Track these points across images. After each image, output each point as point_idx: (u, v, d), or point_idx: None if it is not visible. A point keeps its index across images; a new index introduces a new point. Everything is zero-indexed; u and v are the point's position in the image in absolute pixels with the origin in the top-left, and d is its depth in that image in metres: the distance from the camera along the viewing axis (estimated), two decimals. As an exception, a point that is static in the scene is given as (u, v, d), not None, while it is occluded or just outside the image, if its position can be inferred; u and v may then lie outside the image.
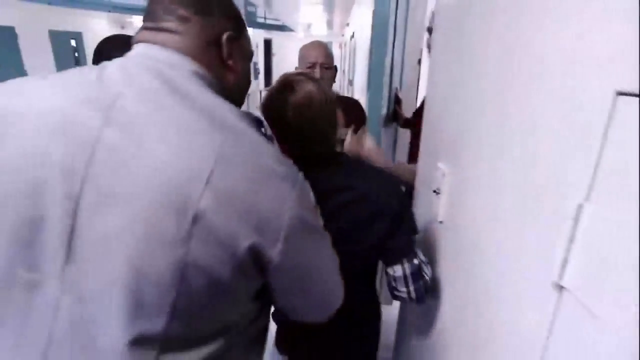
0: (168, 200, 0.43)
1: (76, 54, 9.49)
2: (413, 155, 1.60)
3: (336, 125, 0.87)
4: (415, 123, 1.60)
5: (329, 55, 1.41)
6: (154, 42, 0.54)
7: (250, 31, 14.38)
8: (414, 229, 0.88)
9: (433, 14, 1.28)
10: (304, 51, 1.42)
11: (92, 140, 0.44)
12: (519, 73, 0.51)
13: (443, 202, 0.86)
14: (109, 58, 0.54)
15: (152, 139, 0.45)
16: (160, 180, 0.43)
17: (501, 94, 0.58)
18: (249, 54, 0.66)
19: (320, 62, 1.37)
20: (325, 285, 0.62)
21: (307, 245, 0.55)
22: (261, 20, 15.53)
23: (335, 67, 1.45)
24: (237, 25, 0.60)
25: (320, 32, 15.89)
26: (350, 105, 1.20)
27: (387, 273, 0.88)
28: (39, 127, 0.44)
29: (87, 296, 0.44)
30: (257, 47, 13.19)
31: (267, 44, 15.42)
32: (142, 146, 0.44)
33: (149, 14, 0.57)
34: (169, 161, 0.44)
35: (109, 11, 9.08)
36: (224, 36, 0.58)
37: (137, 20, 10.05)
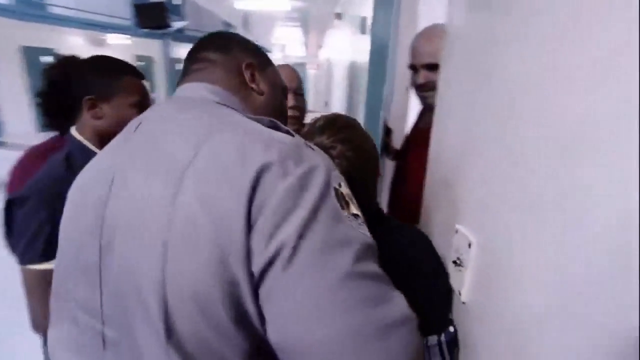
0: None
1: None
2: (396, 191, 1.36)
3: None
4: (404, 154, 1.39)
5: (301, 81, 1.21)
6: (186, 82, 0.62)
7: None
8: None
9: (413, 50, 1.10)
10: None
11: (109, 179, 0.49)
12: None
13: (468, 279, 0.65)
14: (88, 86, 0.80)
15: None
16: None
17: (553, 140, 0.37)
18: (276, 83, 0.70)
19: (294, 88, 1.15)
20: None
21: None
22: (239, 41, 15.39)
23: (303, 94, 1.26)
24: (258, 58, 0.67)
25: (295, 53, 15.88)
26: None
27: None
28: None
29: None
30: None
31: (242, 64, 15.64)
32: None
33: (183, 71, 0.65)
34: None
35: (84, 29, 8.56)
36: (243, 65, 0.64)
37: (112, 38, 9.60)
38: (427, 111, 1.18)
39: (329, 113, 0.76)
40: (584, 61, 0.39)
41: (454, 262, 0.69)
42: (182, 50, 10.53)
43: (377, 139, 1.49)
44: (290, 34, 9.48)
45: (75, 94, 0.89)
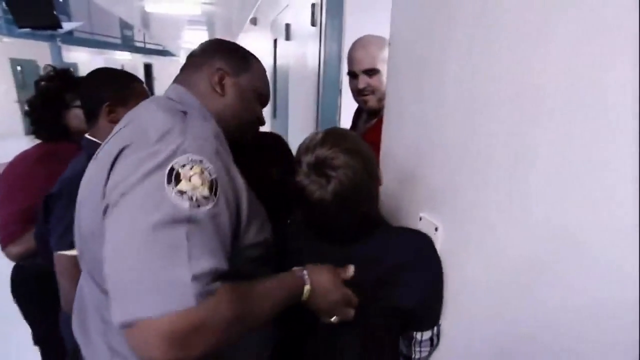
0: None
1: None
2: None
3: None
4: None
5: None
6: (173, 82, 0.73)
7: (128, 55, 13.11)
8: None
9: (352, 57, 1.17)
10: None
11: None
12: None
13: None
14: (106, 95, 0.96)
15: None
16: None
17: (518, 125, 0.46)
18: (247, 89, 0.73)
19: None
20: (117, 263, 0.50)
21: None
22: (140, 45, 14.09)
23: None
24: (234, 65, 0.72)
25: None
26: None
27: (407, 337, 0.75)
28: None
29: None
30: (136, 71, 11.97)
31: (148, 68, 15.12)
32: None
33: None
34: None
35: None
36: (214, 69, 0.70)
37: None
38: (368, 114, 1.26)
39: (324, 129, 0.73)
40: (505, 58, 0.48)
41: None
42: (74, 55, 9.16)
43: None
44: (198, 37, 8.97)
45: (91, 103, 0.99)
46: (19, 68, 8.79)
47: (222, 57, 0.71)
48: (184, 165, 0.51)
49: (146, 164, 0.50)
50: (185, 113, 0.61)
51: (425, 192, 0.77)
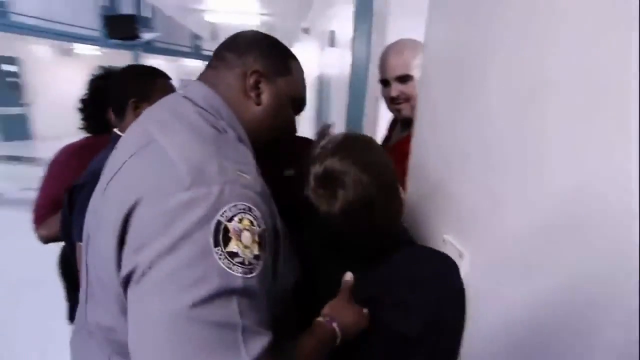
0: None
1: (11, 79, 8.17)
2: None
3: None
4: None
5: None
6: (198, 78, 0.60)
7: (199, 63, 14.10)
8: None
9: (384, 64, 1.07)
10: None
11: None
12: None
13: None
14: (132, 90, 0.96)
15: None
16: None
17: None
18: (284, 95, 0.61)
19: None
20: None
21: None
22: (208, 53, 15.12)
23: None
24: (271, 66, 0.60)
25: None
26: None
27: None
28: None
29: None
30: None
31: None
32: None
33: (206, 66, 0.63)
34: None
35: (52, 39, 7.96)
36: (249, 72, 0.58)
37: (79, 48, 9.03)
38: (402, 124, 1.15)
39: (339, 133, 0.66)
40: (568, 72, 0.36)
41: (444, 273, 0.66)
42: (152, 62, 10.11)
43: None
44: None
45: (118, 99, 0.98)
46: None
47: (258, 55, 0.59)
48: (231, 219, 0.40)
49: (182, 219, 0.39)
50: (214, 129, 0.50)
51: (453, 211, 0.66)
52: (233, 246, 0.39)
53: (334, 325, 0.56)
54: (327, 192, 0.58)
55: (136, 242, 0.41)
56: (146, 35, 7.17)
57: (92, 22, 8.63)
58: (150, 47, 9.85)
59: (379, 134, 1.60)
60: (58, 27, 7.87)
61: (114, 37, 7.33)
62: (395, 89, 1.05)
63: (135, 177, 0.46)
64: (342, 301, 0.60)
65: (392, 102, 1.09)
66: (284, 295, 0.56)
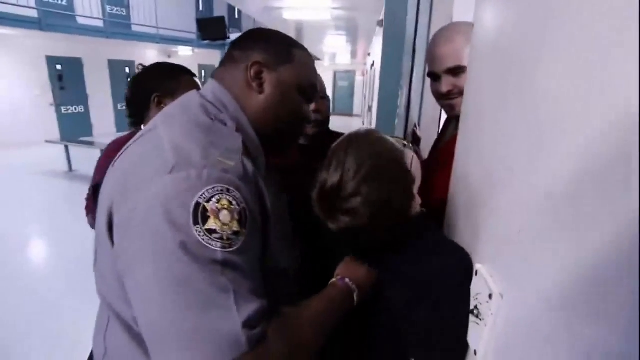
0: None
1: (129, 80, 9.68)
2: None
3: None
4: (428, 168, 1.19)
5: (323, 83, 1.06)
6: (211, 76, 0.63)
7: None
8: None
9: (432, 55, 0.91)
10: None
11: None
12: None
13: (486, 338, 0.48)
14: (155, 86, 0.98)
15: None
16: None
17: None
18: (288, 82, 0.61)
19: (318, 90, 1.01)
20: (146, 308, 0.44)
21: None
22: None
23: (328, 97, 1.13)
24: (274, 56, 0.61)
25: (344, 61, 15.67)
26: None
27: None
28: None
29: None
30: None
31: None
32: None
33: None
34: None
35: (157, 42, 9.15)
36: (250, 63, 0.59)
37: (181, 50, 10.18)
38: (457, 122, 0.98)
39: (350, 133, 0.64)
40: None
41: (472, 311, 0.53)
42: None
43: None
44: (338, 42, 9.35)
45: (144, 94, 1.00)
46: (203, 72, 11.10)
47: (261, 48, 0.61)
48: (209, 199, 0.43)
49: (164, 201, 0.43)
50: (211, 120, 0.54)
51: (488, 237, 0.52)
52: (211, 224, 0.42)
53: (347, 281, 0.60)
54: (331, 210, 0.58)
55: (123, 223, 0.46)
56: (233, 35, 7.72)
57: (191, 26, 9.62)
58: (238, 46, 10.60)
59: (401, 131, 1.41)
60: (162, 32, 8.95)
61: (206, 39, 8.08)
62: (447, 83, 0.88)
63: (129, 160, 0.52)
64: (351, 261, 0.64)
65: (443, 98, 0.93)
66: (283, 274, 0.59)
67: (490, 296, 0.47)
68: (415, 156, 0.65)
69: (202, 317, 0.40)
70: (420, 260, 0.60)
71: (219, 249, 0.42)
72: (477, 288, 0.51)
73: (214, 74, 0.64)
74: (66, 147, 5.54)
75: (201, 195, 0.43)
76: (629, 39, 0.26)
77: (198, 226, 0.42)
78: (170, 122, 0.54)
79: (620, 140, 0.26)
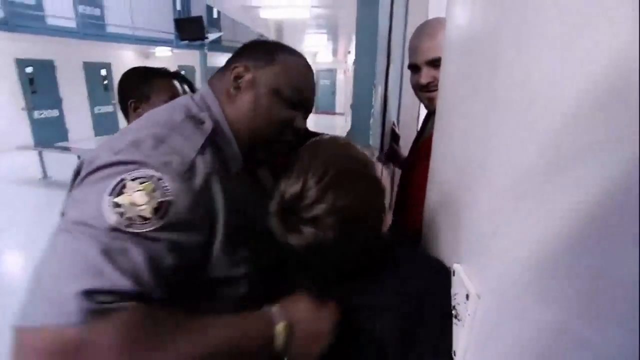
0: None
1: (105, 82, 9.35)
2: (400, 205, 1.14)
3: None
4: (408, 165, 1.18)
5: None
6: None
7: None
8: None
9: (413, 47, 0.92)
10: None
11: None
12: None
13: (464, 340, 0.46)
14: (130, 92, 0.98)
15: None
16: None
17: None
18: (267, 86, 0.59)
19: None
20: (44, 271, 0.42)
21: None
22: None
23: None
24: (254, 61, 0.60)
25: (325, 60, 15.65)
26: None
27: None
28: None
29: None
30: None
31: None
32: None
33: None
34: None
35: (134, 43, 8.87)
36: (233, 66, 0.60)
37: (160, 51, 9.92)
38: (434, 116, 0.98)
39: (313, 139, 0.60)
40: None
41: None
42: (218, 59, 10.70)
43: (366, 141, 1.23)
44: (319, 40, 9.32)
45: (123, 101, 1.00)
46: (182, 73, 10.85)
47: (247, 53, 0.62)
48: (135, 179, 0.45)
49: (98, 171, 0.47)
50: (186, 118, 0.55)
51: (465, 237, 0.50)
52: (122, 199, 0.43)
53: (272, 310, 0.49)
54: (290, 224, 0.51)
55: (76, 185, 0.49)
56: (211, 35, 7.55)
57: (169, 27, 9.38)
58: (216, 46, 10.36)
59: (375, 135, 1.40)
60: (139, 33, 8.68)
61: (185, 39, 7.88)
62: (427, 74, 0.90)
63: (98, 148, 0.54)
64: (299, 296, 0.53)
65: (423, 90, 0.93)
66: (225, 283, 0.56)
67: (467, 296, 0.45)
68: (384, 168, 0.64)
69: (57, 271, 0.40)
70: (405, 284, 0.54)
71: (113, 222, 0.42)
72: (455, 288, 0.50)
73: (208, 80, 0.66)
74: (40, 153, 5.30)
75: (129, 174, 0.45)
76: (597, 32, 0.24)
77: (111, 197, 0.43)
78: (148, 117, 0.57)
79: (591, 135, 0.25)
